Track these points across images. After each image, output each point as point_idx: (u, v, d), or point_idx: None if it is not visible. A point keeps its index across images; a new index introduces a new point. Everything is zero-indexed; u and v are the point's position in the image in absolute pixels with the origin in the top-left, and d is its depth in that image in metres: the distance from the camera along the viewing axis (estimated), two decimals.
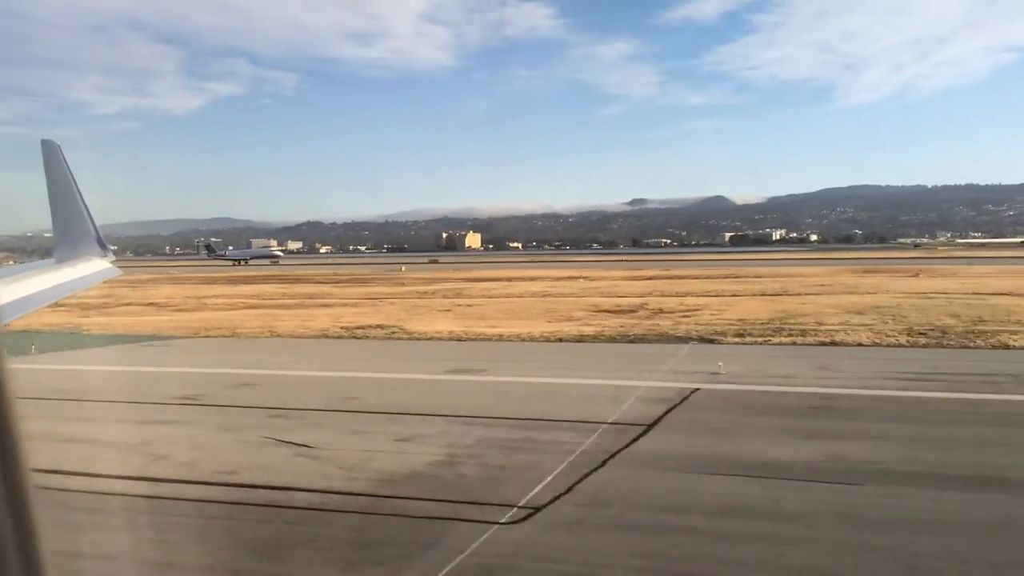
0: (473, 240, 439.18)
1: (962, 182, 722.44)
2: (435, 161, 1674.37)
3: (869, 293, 43.89)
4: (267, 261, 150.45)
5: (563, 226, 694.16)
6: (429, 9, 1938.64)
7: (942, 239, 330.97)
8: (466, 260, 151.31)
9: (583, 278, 67.94)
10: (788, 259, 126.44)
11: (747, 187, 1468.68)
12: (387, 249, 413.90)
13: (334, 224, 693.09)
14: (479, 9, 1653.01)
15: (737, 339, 25.31)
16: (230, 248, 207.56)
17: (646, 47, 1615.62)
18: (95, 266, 8.59)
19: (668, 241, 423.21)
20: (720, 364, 19.18)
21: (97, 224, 9.66)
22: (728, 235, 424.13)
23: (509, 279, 68.84)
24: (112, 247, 9.97)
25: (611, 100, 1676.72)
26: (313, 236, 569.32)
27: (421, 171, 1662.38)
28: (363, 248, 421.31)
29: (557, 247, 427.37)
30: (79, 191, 9.33)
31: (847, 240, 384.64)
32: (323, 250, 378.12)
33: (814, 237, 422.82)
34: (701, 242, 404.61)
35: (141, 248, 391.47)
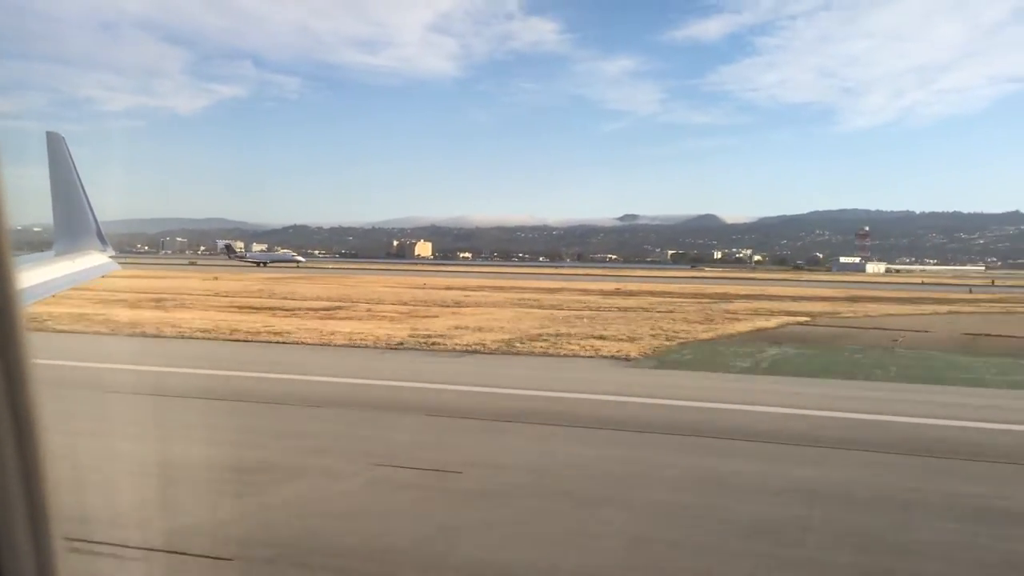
0: (423, 249, 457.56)
1: (949, 210, 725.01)
2: (433, 170, 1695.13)
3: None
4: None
5: (546, 238, 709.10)
6: (436, 20, 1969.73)
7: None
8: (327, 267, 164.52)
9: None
10: (578, 274, 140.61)
11: (740, 207, 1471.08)
12: (340, 255, 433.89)
13: (320, 228, 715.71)
14: (485, 21, 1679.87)
15: None
16: (235, 247, 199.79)
17: (649, 64, 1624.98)
18: (94, 260, 8.46)
19: (613, 257, 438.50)
20: None
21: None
22: (671, 253, 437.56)
23: None
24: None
25: (613, 116, 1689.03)
26: (298, 240, 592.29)
27: (419, 180, 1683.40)
28: (317, 253, 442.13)
29: (521, 259, 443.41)
30: (82, 184, 9.26)
31: (781, 263, 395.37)
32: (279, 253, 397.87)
33: (757, 258, 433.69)
34: (646, 259, 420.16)
35: (124, 247, 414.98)
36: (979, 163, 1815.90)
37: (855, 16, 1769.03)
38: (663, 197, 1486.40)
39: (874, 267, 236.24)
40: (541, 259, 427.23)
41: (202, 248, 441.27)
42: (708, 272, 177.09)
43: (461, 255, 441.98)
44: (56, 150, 9.14)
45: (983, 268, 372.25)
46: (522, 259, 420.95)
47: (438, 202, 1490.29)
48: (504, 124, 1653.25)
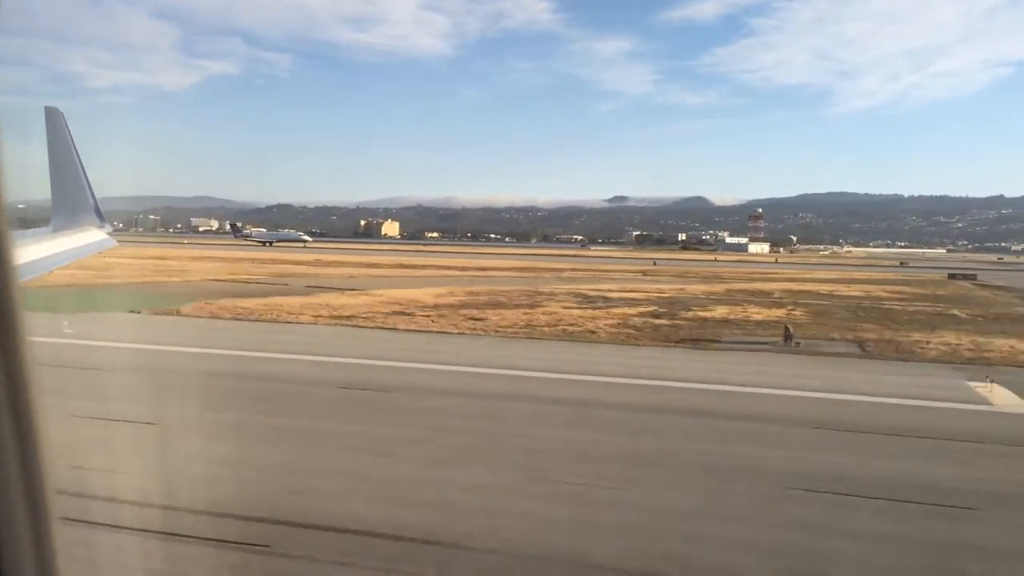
0: (390, 228, 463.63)
1: (938, 193, 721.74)
2: (424, 150, 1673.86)
3: None
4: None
5: (531, 219, 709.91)
6: None
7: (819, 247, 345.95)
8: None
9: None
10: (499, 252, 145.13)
11: (730, 189, 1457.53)
12: (311, 234, 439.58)
13: (304, 207, 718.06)
14: None
15: None
16: (240, 228, 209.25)
17: (644, 45, 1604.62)
18: (92, 236, 8.30)
19: (580, 237, 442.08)
20: None
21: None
22: (635, 234, 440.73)
23: None
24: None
25: (608, 96, 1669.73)
26: (281, 219, 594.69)
27: (409, 160, 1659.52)
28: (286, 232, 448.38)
29: (488, 240, 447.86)
30: (80, 160, 9.02)
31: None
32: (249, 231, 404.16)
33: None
34: (609, 240, 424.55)
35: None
36: (970, 147, 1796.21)
37: None
38: (654, 179, 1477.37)
39: (757, 247, 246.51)
40: (507, 240, 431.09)
41: (177, 226, 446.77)
42: (580, 252, 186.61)
43: (428, 235, 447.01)
44: (54, 125, 8.81)
45: (944, 251, 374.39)
46: (488, 240, 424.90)
47: (428, 182, 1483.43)
48: (497, 104, 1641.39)
